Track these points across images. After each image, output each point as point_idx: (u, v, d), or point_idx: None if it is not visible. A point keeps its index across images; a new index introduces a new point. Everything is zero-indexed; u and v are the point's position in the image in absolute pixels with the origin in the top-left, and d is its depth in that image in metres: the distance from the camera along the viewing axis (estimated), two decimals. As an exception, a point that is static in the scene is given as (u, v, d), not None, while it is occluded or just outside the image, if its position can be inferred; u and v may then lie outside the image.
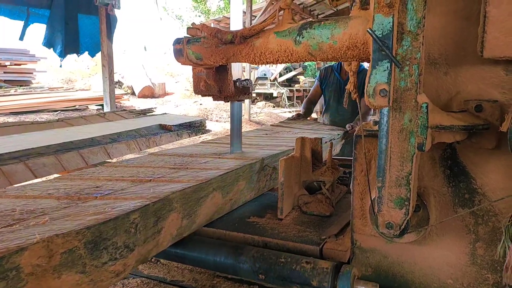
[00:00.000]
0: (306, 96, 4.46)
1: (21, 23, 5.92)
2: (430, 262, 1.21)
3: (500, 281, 1.12)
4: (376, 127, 1.23)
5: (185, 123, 3.96)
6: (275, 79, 16.52)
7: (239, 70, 1.87)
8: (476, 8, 1.06)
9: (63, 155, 2.44)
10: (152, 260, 1.55)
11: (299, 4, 12.93)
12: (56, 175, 2.47)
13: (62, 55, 6.32)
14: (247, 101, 11.00)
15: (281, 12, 1.29)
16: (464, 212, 1.15)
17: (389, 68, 0.94)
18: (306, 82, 17.26)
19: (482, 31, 1.01)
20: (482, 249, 1.14)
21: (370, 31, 0.93)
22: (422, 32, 0.93)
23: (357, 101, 1.21)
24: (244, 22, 9.24)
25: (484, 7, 1.00)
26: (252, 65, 13.51)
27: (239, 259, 1.33)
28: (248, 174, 1.69)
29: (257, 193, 1.82)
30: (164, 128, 3.81)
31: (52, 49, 6.30)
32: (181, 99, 15.22)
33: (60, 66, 7.08)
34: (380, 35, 0.93)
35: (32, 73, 12.98)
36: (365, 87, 0.96)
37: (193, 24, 1.50)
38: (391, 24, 0.92)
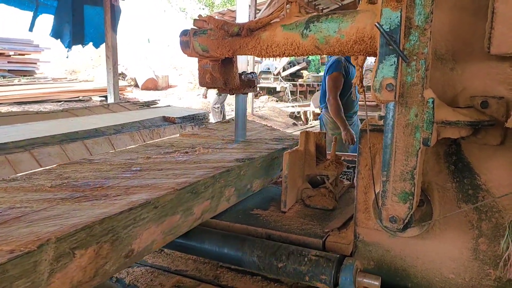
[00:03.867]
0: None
1: (24, 14, 5.93)
2: (432, 256, 1.22)
3: (502, 276, 1.13)
4: (381, 122, 1.23)
5: (189, 115, 3.97)
6: (279, 73, 16.49)
7: (243, 63, 1.88)
8: (484, 4, 1.06)
9: (68, 145, 2.46)
10: (157, 249, 1.57)
11: (304, -2, 12.88)
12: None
13: (70, 46, 6.34)
14: (250, 95, 10.99)
15: (288, 5, 1.29)
16: (467, 208, 1.15)
17: (396, 63, 0.94)
18: (310, 77, 17.23)
19: (490, 27, 1.01)
20: (485, 245, 1.15)
21: (377, 25, 0.93)
22: (430, 27, 0.93)
23: (363, 95, 1.21)
24: (248, 15, 9.21)
25: (492, 3, 1.00)
26: (255, 59, 13.48)
27: (242, 250, 1.34)
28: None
29: None
30: (167, 120, 3.83)
31: (59, 40, 6.31)
32: (185, 91, 15.23)
33: (67, 57, 7.09)
34: (388, 30, 0.93)
35: (36, 63, 13.01)
36: (372, 81, 0.96)
37: (199, 16, 1.50)
38: (399, 18, 0.92)
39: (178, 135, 2.16)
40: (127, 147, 1.79)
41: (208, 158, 1.60)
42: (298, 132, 1.97)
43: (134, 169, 1.43)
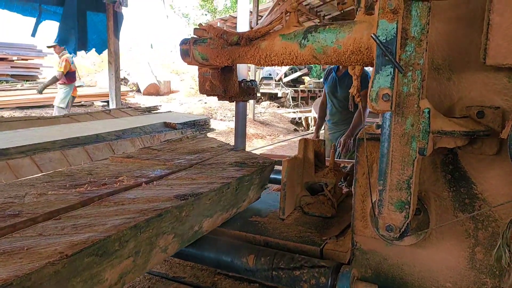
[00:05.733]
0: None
1: (27, 19, 5.98)
2: (429, 265, 1.22)
3: (498, 286, 1.13)
4: (378, 131, 1.24)
5: (190, 121, 3.98)
6: (280, 79, 16.52)
7: (244, 70, 1.89)
8: (480, 15, 1.07)
9: (68, 151, 2.47)
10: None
11: (306, 5, 12.93)
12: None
13: (75, 52, 6.40)
14: (251, 100, 11.04)
15: (287, 14, 1.31)
16: (464, 217, 1.16)
17: (392, 73, 0.95)
18: (311, 83, 17.27)
19: (485, 38, 1.02)
20: (481, 254, 1.15)
21: (374, 37, 0.94)
22: (426, 38, 0.95)
23: (361, 104, 1.22)
24: (250, 22, 9.27)
25: (488, 14, 1.01)
26: (257, 65, 13.51)
27: (240, 257, 1.35)
28: None
29: None
30: (168, 126, 3.84)
31: (65, 46, 6.38)
32: (186, 97, 15.29)
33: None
34: (384, 41, 0.94)
35: (39, 68, 13.07)
36: (368, 91, 0.97)
37: (200, 24, 1.51)
38: (395, 30, 0.94)
39: (108, 158, 1.69)
40: (30, 176, 1.38)
41: (137, 196, 1.17)
42: (297, 139, 1.90)
43: (8, 212, 0.98)
